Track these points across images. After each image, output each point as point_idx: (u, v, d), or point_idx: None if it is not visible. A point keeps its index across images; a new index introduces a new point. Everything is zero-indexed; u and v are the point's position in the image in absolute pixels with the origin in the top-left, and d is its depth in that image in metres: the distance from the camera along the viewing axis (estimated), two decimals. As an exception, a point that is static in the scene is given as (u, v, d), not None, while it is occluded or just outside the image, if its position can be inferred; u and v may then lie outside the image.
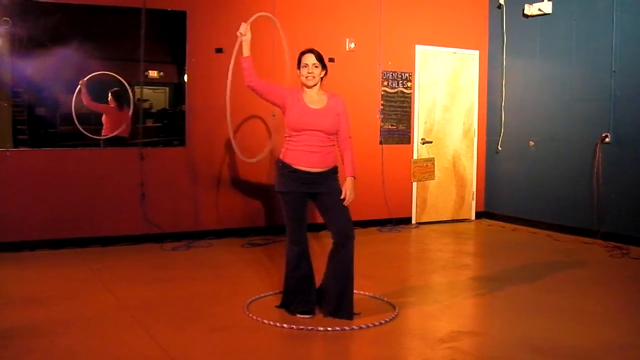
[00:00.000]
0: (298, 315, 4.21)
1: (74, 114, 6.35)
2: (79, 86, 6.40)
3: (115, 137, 6.71)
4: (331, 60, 7.04)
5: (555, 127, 7.69)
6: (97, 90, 6.61)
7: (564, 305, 4.64)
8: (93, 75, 6.46)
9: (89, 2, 6.35)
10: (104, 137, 6.69)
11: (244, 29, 4.10)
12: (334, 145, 4.25)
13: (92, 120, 6.69)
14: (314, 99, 4.21)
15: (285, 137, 4.23)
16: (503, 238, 7.53)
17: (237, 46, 4.26)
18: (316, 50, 4.23)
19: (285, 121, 4.19)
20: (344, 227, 4.16)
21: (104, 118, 6.77)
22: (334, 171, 4.22)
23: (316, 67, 4.17)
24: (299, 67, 4.24)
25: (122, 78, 6.68)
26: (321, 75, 4.22)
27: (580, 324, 4.20)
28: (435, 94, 8.28)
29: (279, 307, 4.38)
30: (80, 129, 6.40)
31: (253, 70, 4.13)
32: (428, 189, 8.28)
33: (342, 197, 4.14)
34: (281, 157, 4.22)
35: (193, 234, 6.81)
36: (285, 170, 4.17)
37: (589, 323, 4.23)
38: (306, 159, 4.13)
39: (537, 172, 7.94)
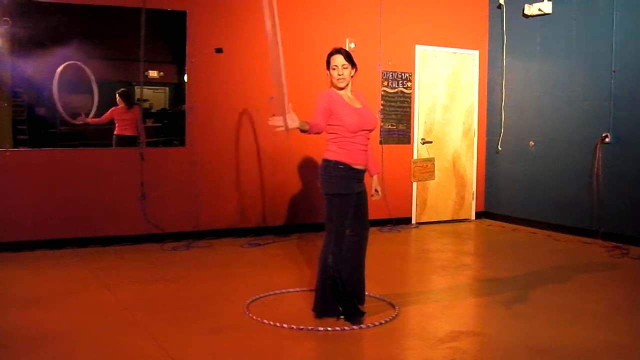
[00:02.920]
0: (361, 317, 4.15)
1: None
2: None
3: (126, 136, 6.77)
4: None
5: (555, 127, 7.69)
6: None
7: (563, 305, 4.64)
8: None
9: (89, 2, 6.34)
10: (117, 136, 6.78)
11: (276, 121, 3.69)
12: None
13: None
14: (351, 98, 4.20)
15: (334, 138, 4.10)
16: (503, 238, 7.53)
17: (287, 135, 3.75)
18: (344, 50, 4.16)
19: (339, 124, 4.06)
20: (366, 221, 4.37)
21: (115, 119, 6.83)
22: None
23: (345, 68, 4.10)
24: (328, 68, 4.16)
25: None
26: (351, 74, 4.16)
27: (580, 324, 4.20)
28: (435, 94, 8.27)
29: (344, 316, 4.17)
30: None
31: (313, 126, 3.93)
32: (428, 189, 8.28)
33: (372, 194, 4.42)
34: (335, 158, 4.09)
35: (193, 234, 6.81)
36: (345, 171, 4.10)
37: (588, 323, 4.23)
38: (361, 157, 4.18)
39: (537, 172, 7.93)
